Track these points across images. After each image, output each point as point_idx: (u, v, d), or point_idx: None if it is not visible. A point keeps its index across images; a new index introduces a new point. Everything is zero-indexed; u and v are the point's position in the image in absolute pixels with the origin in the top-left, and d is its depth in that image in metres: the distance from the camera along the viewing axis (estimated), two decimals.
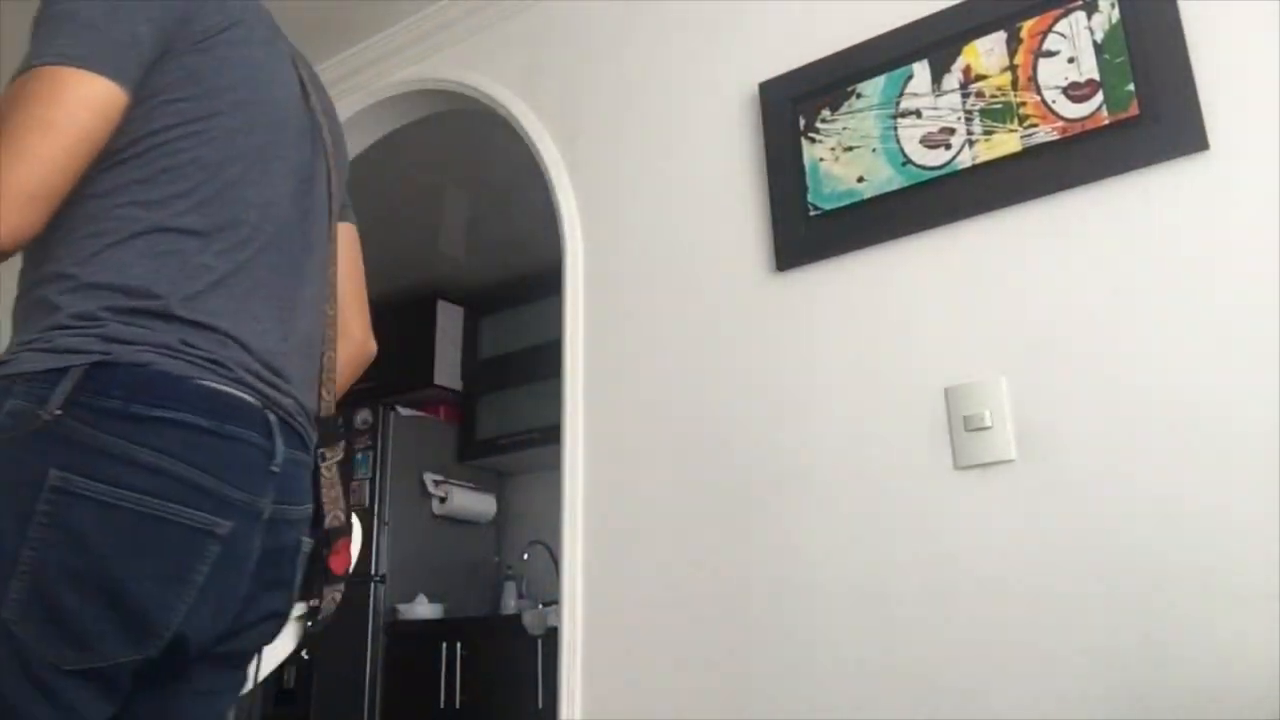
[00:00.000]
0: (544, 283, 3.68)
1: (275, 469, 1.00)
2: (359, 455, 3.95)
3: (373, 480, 3.88)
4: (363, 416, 3.99)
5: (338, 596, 1.14)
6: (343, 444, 1.18)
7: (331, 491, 1.15)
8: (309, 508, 1.09)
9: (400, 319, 4.33)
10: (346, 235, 1.31)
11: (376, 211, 3.68)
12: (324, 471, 1.14)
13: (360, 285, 1.33)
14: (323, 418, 1.16)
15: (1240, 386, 1.33)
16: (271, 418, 1.01)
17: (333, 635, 3.72)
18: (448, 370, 4.24)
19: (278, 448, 1.00)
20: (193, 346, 0.95)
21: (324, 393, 1.16)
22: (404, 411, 4.07)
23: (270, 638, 1.08)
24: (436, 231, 3.94)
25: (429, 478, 4.02)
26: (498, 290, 4.30)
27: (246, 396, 0.98)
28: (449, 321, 4.31)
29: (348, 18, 2.50)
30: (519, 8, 2.34)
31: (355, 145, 2.70)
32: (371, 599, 3.71)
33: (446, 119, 2.67)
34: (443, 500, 4.01)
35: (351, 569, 1.21)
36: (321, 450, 1.15)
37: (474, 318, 4.38)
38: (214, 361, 0.96)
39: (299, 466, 1.06)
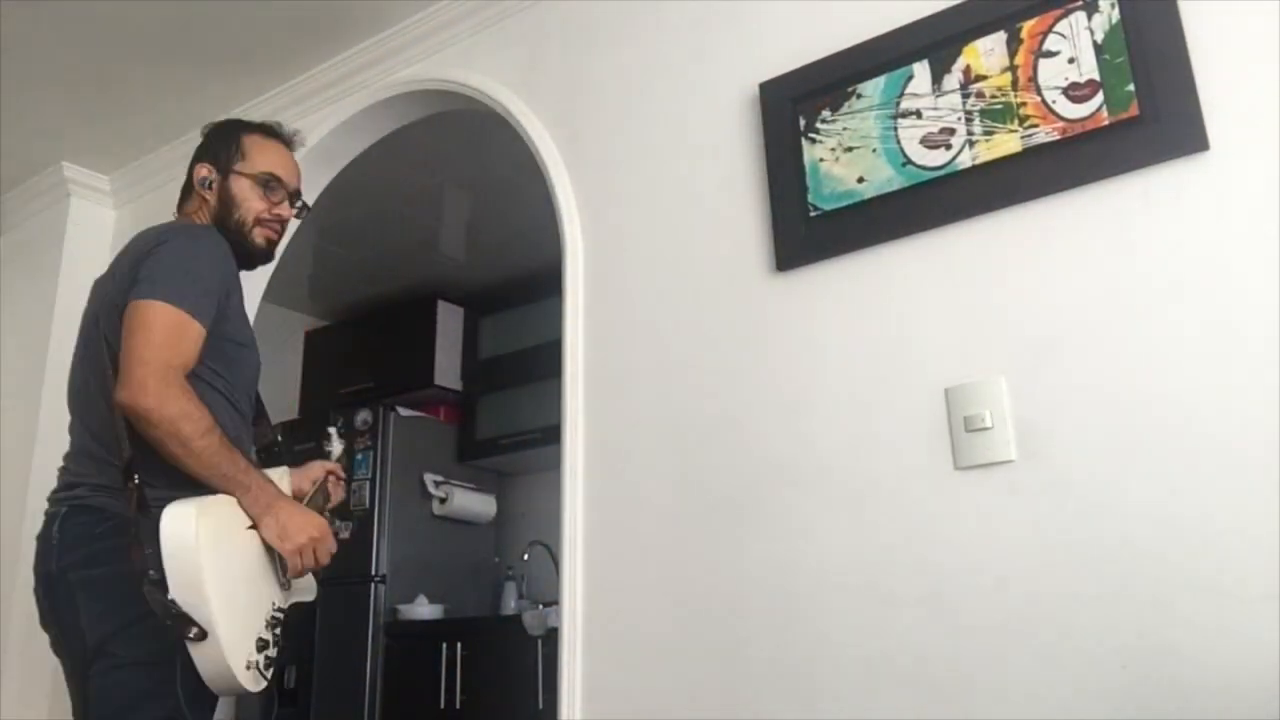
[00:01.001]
0: (544, 283, 3.67)
1: (53, 544, 1.56)
2: (359, 455, 3.94)
3: (373, 480, 3.87)
4: (363, 417, 3.98)
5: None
6: (132, 485, 1.49)
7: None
8: (84, 551, 1.53)
9: (400, 319, 4.33)
10: (127, 313, 1.56)
11: (377, 211, 3.70)
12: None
13: (124, 351, 1.53)
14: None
15: (1240, 387, 1.33)
16: (60, 511, 1.57)
17: (333, 635, 3.74)
18: (448, 370, 4.23)
19: (53, 533, 1.57)
20: None
21: (121, 450, 1.52)
22: (404, 412, 4.07)
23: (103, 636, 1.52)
24: (436, 231, 3.93)
25: (429, 478, 4.01)
26: (498, 290, 4.30)
27: (48, 508, 1.61)
28: (449, 321, 4.30)
29: (348, 18, 2.50)
30: (519, 7, 2.34)
31: (355, 145, 2.71)
32: (371, 599, 3.71)
33: (446, 119, 2.66)
34: (443, 501, 4.01)
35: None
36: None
37: (474, 318, 4.36)
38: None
39: (75, 528, 1.55)
